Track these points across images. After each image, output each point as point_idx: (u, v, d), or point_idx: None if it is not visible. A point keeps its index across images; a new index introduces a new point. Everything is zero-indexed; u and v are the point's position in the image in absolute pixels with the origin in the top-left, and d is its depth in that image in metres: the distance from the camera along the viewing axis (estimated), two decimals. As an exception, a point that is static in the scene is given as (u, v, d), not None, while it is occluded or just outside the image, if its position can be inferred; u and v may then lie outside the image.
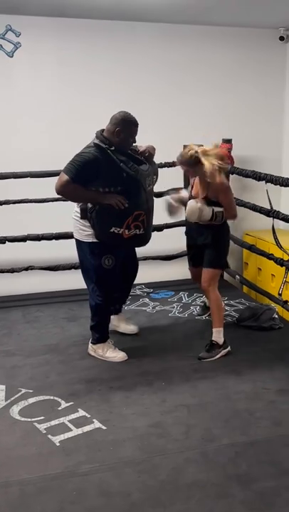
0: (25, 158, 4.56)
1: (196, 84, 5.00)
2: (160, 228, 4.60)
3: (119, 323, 3.93)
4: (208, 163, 3.22)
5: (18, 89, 4.63)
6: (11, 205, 4.48)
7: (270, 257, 4.29)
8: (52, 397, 3.08)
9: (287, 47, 5.17)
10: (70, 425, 2.80)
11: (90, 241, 3.41)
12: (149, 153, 3.50)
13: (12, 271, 4.64)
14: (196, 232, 3.65)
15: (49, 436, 2.71)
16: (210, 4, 4.20)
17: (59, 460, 2.52)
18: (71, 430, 2.75)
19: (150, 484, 2.34)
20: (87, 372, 3.39)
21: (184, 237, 3.87)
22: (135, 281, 3.93)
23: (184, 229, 3.89)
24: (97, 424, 2.80)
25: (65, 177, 3.23)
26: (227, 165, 3.46)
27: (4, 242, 4.53)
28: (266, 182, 4.13)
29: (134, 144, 3.44)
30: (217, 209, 3.41)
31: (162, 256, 4.95)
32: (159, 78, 4.90)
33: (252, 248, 4.67)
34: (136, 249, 3.79)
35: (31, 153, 4.61)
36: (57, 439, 2.68)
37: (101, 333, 3.60)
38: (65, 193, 3.31)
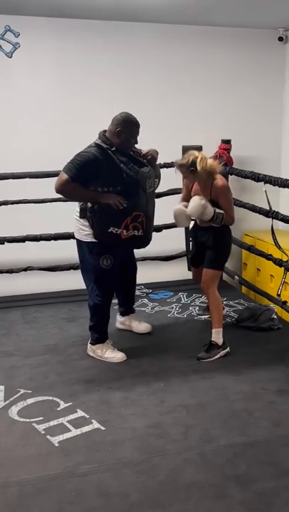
0: (25, 158, 4.56)
1: (195, 85, 5.00)
2: (159, 229, 4.58)
3: (131, 324, 3.94)
4: (200, 166, 3.32)
5: (17, 90, 4.63)
6: (10, 205, 4.47)
7: (269, 257, 4.30)
8: (51, 398, 3.07)
9: (287, 47, 5.17)
10: (69, 426, 2.79)
11: (89, 241, 3.42)
12: (151, 157, 3.50)
13: (11, 271, 4.64)
14: (200, 231, 3.66)
15: (48, 436, 2.71)
16: (209, 4, 4.21)
17: (58, 460, 2.52)
18: (70, 431, 2.75)
19: (149, 485, 2.34)
20: (86, 372, 3.39)
21: (184, 238, 3.87)
22: (134, 282, 3.93)
23: (183, 230, 3.89)
24: (96, 425, 2.80)
25: (64, 176, 3.23)
26: (219, 168, 3.50)
27: (3, 243, 4.52)
28: (265, 183, 4.13)
29: (137, 147, 3.44)
30: (219, 210, 3.43)
31: (161, 256, 4.94)
32: (159, 79, 4.90)
33: (251, 249, 4.67)
34: (134, 250, 3.80)
35: (31, 153, 4.60)
36: (56, 440, 2.68)
37: (100, 333, 3.60)
38: (65, 192, 3.31)
